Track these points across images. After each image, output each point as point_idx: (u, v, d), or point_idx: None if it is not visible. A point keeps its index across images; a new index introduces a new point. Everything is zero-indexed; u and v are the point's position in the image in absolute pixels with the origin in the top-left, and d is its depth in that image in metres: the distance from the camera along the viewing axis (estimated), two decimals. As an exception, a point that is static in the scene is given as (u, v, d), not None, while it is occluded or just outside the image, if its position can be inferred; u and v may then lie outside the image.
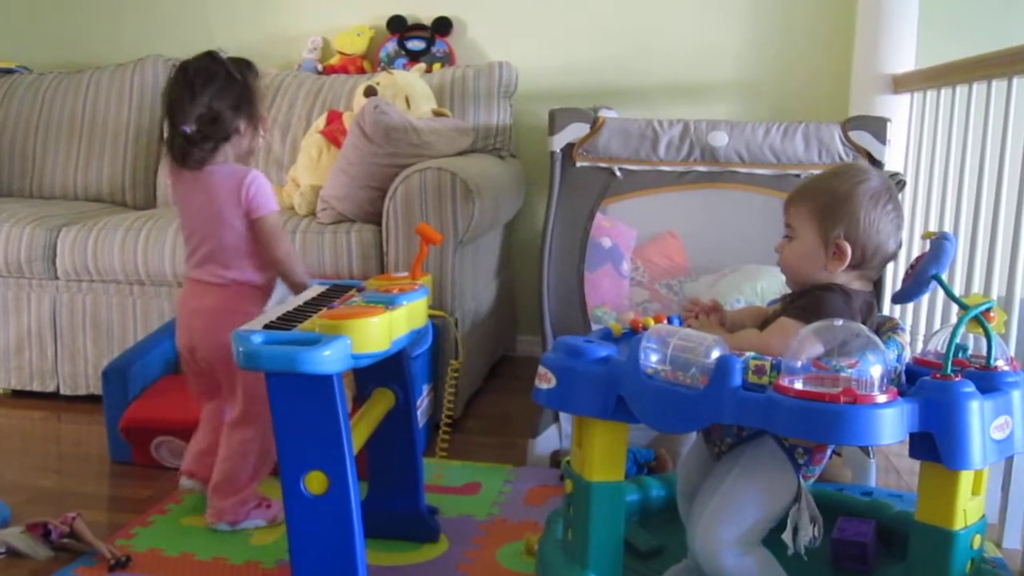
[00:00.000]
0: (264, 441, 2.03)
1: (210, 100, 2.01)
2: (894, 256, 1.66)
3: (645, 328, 1.61)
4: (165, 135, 2.06)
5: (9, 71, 3.79)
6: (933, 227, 2.68)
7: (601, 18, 3.44)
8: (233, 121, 2.02)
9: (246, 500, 2.05)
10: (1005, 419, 1.40)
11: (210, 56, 2.09)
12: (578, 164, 2.56)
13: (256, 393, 1.96)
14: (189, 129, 1.99)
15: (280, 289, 2.13)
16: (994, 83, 2.29)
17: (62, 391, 2.95)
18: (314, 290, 1.95)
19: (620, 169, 2.55)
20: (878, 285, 2.27)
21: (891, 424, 1.31)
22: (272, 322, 1.60)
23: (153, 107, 3.56)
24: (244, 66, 2.10)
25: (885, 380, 1.33)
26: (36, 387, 2.97)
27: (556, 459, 2.40)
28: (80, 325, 2.91)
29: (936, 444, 1.36)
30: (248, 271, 2.06)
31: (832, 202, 1.60)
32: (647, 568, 1.76)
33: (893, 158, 2.71)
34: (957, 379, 1.39)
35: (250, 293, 2.07)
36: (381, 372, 1.87)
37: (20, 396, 2.98)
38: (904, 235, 2.05)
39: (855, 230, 1.59)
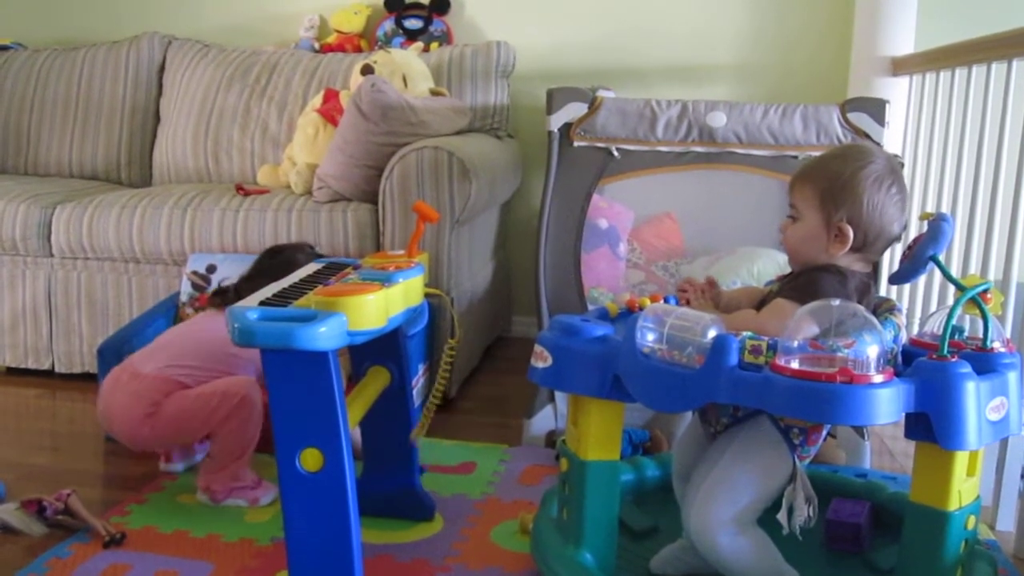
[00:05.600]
0: (245, 426, 2.05)
1: None
2: (898, 239, 1.66)
3: (641, 308, 1.61)
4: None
5: (4, 47, 3.76)
6: (931, 209, 2.67)
7: (600, -2, 3.43)
8: None
9: (230, 476, 2.05)
10: (1001, 400, 1.41)
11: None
12: (575, 144, 2.56)
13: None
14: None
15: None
16: (994, 66, 2.29)
17: (57, 369, 2.94)
18: (310, 267, 1.94)
19: (618, 149, 2.54)
20: (876, 266, 2.27)
21: (887, 404, 1.31)
22: (268, 299, 1.59)
23: (149, 84, 3.55)
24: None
25: (881, 360, 1.33)
26: (31, 364, 2.96)
27: (551, 439, 2.40)
28: (75, 303, 2.90)
29: (932, 425, 1.36)
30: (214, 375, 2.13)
31: (836, 185, 1.59)
32: (641, 548, 1.77)
33: (892, 140, 2.70)
34: (953, 360, 1.39)
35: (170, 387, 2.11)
36: (377, 350, 1.86)
37: (15, 374, 2.98)
38: (903, 217, 2.04)
39: (858, 214, 1.58)
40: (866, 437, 2.29)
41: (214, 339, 2.11)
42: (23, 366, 2.97)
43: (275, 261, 2.26)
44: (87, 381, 2.80)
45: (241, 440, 2.05)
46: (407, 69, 3.07)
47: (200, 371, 2.10)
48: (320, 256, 2.26)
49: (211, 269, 2.67)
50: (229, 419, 2.03)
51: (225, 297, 2.23)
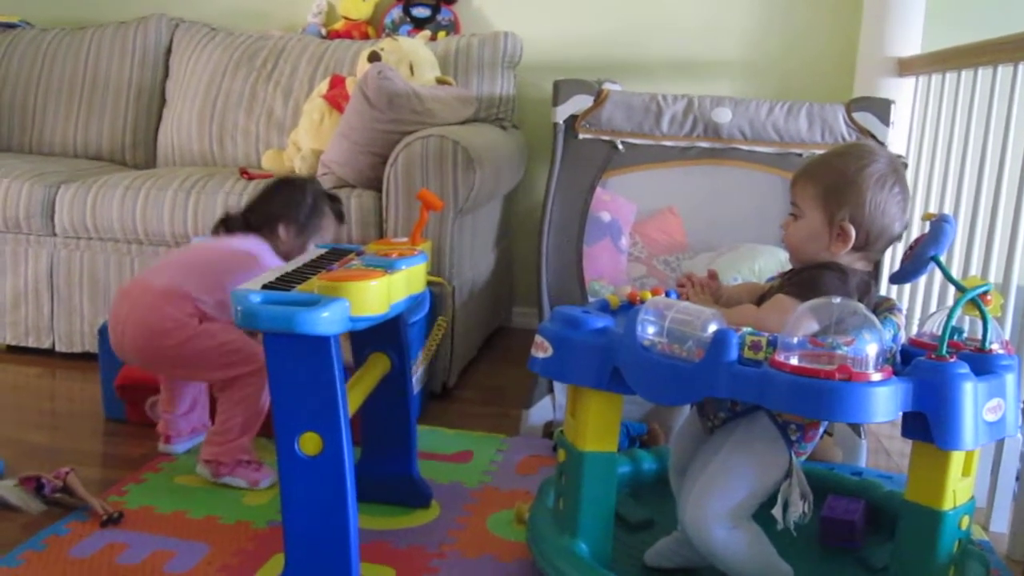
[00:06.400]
0: (260, 393, 2.06)
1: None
2: (899, 238, 1.66)
3: (642, 301, 1.61)
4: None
5: (11, 26, 3.76)
6: (934, 209, 2.68)
7: (608, -9, 3.43)
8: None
9: (235, 449, 2.06)
10: (998, 401, 1.41)
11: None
12: (580, 136, 2.56)
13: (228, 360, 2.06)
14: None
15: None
16: (1000, 68, 2.29)
17: (58, 348, 2.95)
18: (313, 252, 1.95)
19: (622, 142, 2.54)
20: (877, 265, 2.27)
21: (885, 402, 1.32)
22: (271, 282, 1.60)
23: (155, 66, 3.55)
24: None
25: (880, 359, 1.34)
26: (32, 343, 2.97)
27: (549, 430, 2.41)
28: (77, 282, 2.91)
29: (929, 424, 1.37)
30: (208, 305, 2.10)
31: (838, 184, 1.60)
32: (637, 540, 1.77)
33: (897, 140, 2.70)
34: (952, 360, 1.39)
35: (186, 307, 2.09)
36: (378, 337, 1.87)
37: (16, 352, 2.99)
38: (905, 217, 2.05)
39: (860, 213, 1.59)
40: (863, 436, 2.30)
41: (218, 259, 2.14)
42: (24, 344, 2.97)
43: (284, 190, 2.26)
44: (87, 360, 2.80)
45: (251, 410, 2.06)
46: (414, 57, 3.07)
47: (204, 292, 2.09)
48: (328, 195, 2.30)
49: (214, 252, 2.67)
50: (242, 383, 2.05)
51: (233, 223, 2.23)
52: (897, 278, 1.61)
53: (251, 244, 2.14)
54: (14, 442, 2.29)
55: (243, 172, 2.93)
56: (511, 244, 3.49)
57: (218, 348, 2.05)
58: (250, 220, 2.21)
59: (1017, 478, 2.04)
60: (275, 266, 1.94)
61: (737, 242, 2.54)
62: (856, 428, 2.29)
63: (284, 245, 2.18)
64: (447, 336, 2.66)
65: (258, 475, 2.07)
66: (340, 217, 2.32)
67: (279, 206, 2.21)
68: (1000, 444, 2.01)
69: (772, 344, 1.38)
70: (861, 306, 1.40)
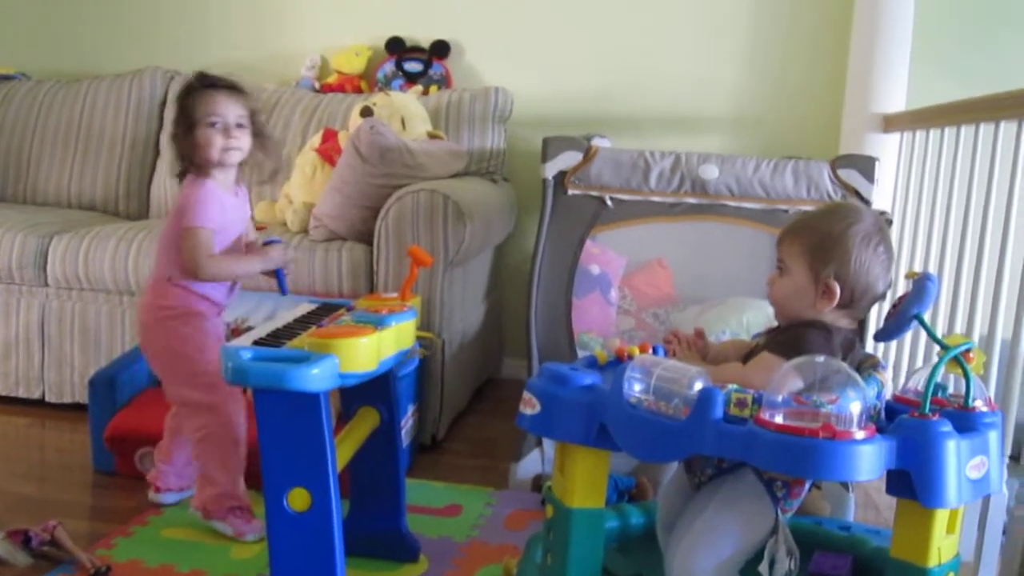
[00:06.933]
0: (224, 429, 2.07)
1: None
2: (883, 296, 1.69)
3: (630, 357, 1.63)
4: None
5: (8, 77, 3.80)
6: (918, 265, 2.71)
7: (597, 48, 3.48)
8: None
9: (224, 496, 2.07)
10: (981, 459, 1.42)
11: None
12: (570, 192, 2.58)
13: (193, 381, 2.08)
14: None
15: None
16: (981, 127, 2.33)
17: (47, 398, 2.95)
18: (304, 308, 1.96)
19: (611, 198, 2.57)
20: (862, 323, 2.29)
21: (868, 460, 1.32)
22: (261, 338, 1.61)
23: (150, 118, 3.58)
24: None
25: (864, 417, 1.35)
26: (21, 393, 2.97)
27: (538, 483, 2.41)
28: (68, 333, 2.91)
29: (912, 482, 1.37)
30: (170, 268, 2.11)
31: (824, 242, 1.62)
32: (624, 595, 1.77)
33: (881, 197, 2.74)
34: (935, 418, 1.40)
35: (168, 290, 2.11)
36: (367, 391, 1.87)
37: (5, 402, 2.98)
38: (890, 273, 2.08)
39: (845, 271, 1.61)
40: (850, 490, 2.31)
41: (166, 229, 2.16)
42: (14, 395, 2.97)
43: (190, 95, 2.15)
44: (77, 411, 2.80)
45: (220, 449, 2.08)
46: (406, 112, 3.11)
47: (170, 266, 2.12)
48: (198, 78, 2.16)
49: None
50: (197, 416, 2.09)
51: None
52: (881, 336, 1.63)
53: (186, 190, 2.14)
54: (2, 493, 2.29)
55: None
56: (501, 296, 3.51)
57: (188, 360, 2.08)
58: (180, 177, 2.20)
59: (1004, 532, 2.05)
60: (205, 192, 2.06)
61: (726, 295, 2.56)
62: (844, 482, 2.29)
63: (200, 159, 2.11)
64: (437, 388, 2.67)
65: (245, 527, 2.07)
66: (218, 85, 2.13)
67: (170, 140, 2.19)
68: (987, 499, 2.02)
69: (757, 401, 1.39)
70: (845, 364, 1.42)
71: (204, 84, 2.13)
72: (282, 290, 2.19)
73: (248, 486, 2.10)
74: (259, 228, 2.87)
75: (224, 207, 2.11)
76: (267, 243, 2.22)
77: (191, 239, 2.05)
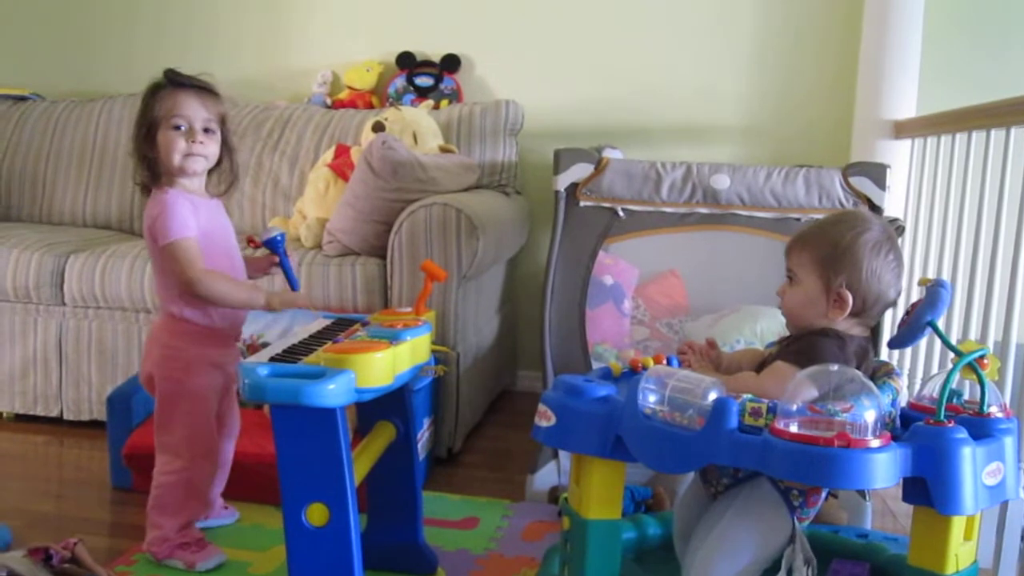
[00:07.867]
0: (187, 485, 2.02)
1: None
2: (894, 304, 1.69)
3: (644, 368, 1.63)
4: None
5: (22, 98, 3.84)
6: (931, 272, 2.71)
7: (607, 60, 3.49)
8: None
9: (164, 539, 2.01)
10: (997, 465, 1.42)
11: None
12: (582, 203, 2.59)
13: (172, 423, 2.02)
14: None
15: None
16: (992, 132, 2.33)
17: (65, 416, 2.97)
18: (319, 323, 1.98)
19: (623, 209, 2.58)
20: (875, 330, 2.29)
21: (884, 468, 1.33)
22: (277, 355, 1.62)
23: (163, 137, 3.60)
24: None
25: (879, 425, 1.36)
26: (40, 412, 2.99)
27: (554, 495, 2.41)
28: (85, 351, 2.93)
29: (929, 489, 1.38)
30: (172, 303, 2.02)
31: (835, 251, 1.63)
32: (642, 606, 1.77)
33: (893, 203, 2.74)
34: (950, 425, 1.41)
35: (176, 327, 2.03)
36: (383, 406, 1.88)
37: (23, 420, 3.00)
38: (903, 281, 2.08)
39: (857, 280, 1.62)
40: (867, 498, 2.30)
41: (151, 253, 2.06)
42: (32, 413, 2.99)
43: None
44: (95, 429, 2.82)
45: (172, 501, 2.02)
46: (417, 126, 3.12)
47: (161, 290, 2.05)
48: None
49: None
50: (164, 462, 2.03)
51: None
52: (895, 343, 1.63)
53: (149, 210, 2.02)
54: (22, 511, 2.30)
55: (250, 241, 2.96)
56: (515, 308, 3.52)
57: (179, 413, 2.01)
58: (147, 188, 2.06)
59: (1022, 538, 2.04)
60: (168, 200, 1.95)
61: (739, 304, 2.57)
62: (861, 490, 2.29)
63: (161, 165, 2.01)
64: (452, 401, 2.68)
65: (195, 557, 2.00)
66: (186, 85, 2.04)
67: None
68: (1004, 505, 2.01)
69: (772, 411, 1.40)
70: (859, 373, 1.42)
71: (171, 82, 2.01)
72: (292, 285, 2.14)
73: (266, 502, 2.10)
74: (251, 243, 2.90)
75: (196, 207, 1.99)
76: (266, 242, 2.14)
77: (175, 254, 1.93)
